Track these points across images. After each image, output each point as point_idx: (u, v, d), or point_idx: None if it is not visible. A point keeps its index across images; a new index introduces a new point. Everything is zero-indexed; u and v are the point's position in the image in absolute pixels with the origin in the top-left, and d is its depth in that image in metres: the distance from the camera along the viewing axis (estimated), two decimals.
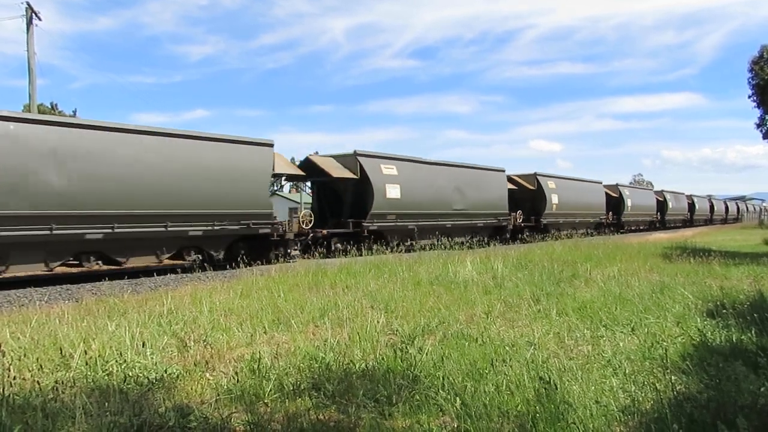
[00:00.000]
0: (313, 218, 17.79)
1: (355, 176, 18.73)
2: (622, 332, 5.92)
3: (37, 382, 4.01)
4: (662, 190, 46.60)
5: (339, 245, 18.45)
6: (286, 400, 3.92)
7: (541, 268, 11.39)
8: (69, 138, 12.06)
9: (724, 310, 6.31)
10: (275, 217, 16.16)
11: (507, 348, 5.11)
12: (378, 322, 6.21)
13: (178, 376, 4.44)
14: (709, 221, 57.02)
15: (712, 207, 59.09)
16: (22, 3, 21.46)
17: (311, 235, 17.92)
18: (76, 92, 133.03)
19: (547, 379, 3.71)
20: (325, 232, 18.35)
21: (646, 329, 5.99)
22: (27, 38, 21.60)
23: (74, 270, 13.10)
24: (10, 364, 4.23)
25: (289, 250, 16.69)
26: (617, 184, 38.97)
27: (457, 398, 3.79)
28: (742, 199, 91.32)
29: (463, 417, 3.50)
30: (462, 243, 21.26)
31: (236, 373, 4.43)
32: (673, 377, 4.22)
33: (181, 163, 13.81)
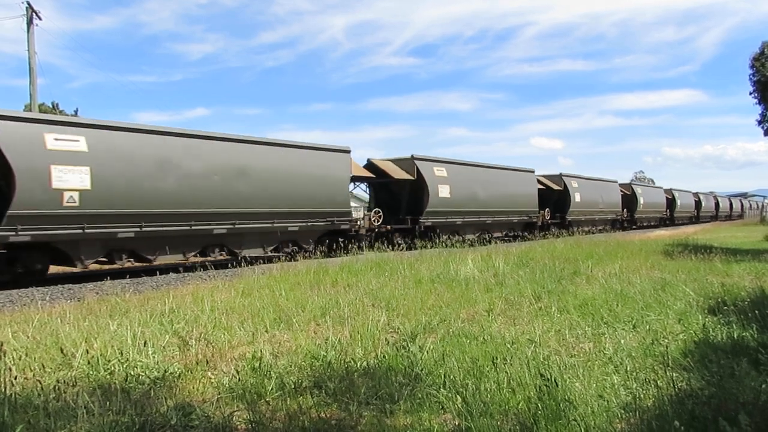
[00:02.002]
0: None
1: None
2: (623, 329, 5.92)
3: (39, 381, 4.02)
4: (697, 192, 55.06)
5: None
6: (288, 399, 3.93)
7: (542, 265, 11.39)
8: (482, 173, 24.88)
9: (726, 307, 6.31)
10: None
11: (508, 346, 5.11)
12: (379, 320, 6.21)
13: (179, 375, 4.45)
14: (729, 217, 65.24)
15: (731, 205, 68.37)
16: (22, 2, 21.49)
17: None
18: (76, 91, 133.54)
19: (548, 377, 3.71)
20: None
21: (647, 326, 5.99)
22: (27, 38, 21.61)
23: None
24: (12, 364, 4.24)
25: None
26: (671, 189, 47.33)
27: (458, 396, 3.80)
28: (744, 195, 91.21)
29: (465, 415, 3.51)
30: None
31: (238, 372, 4.44)
32: (674, 374, 4.21)
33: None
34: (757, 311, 5.79)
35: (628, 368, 4.52)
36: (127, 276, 12.32)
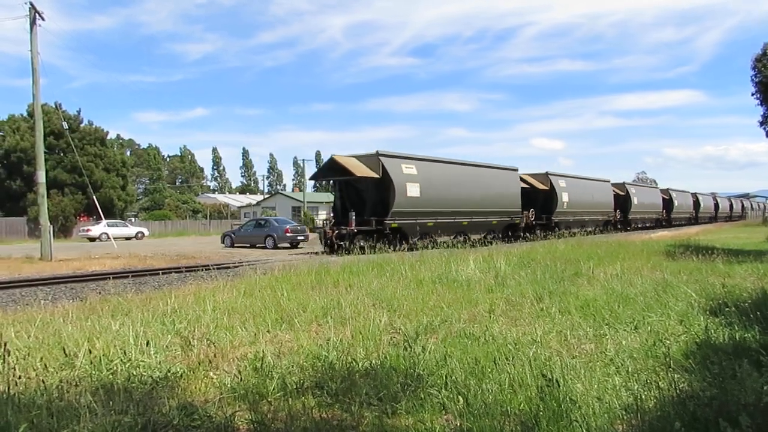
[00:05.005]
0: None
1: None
2: (625, 330, 5.92)
3: (42, 381, 4.03)
4: (696, 192, 57.33)
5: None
6: (290, 399, 3.93)
7: (543, 266, 11.38)
8: (457, 171, 23.64)
9: (727, 308, 6.30)
10: None
11: (510, 346, 5.11)
12: (381, 320, 6.22)
13: (181, 375, 4.46)
14: (729, 218, 67.79)
15: (731, 205, 70.76)
16: (25, 3, 21.50)
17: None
18: (76, 91, 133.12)
19: (550, 377, 3.71)
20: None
21: (649, 327, 5.98)
22: (30, 38, 21.63)
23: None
24: (15, 364, 4.26)
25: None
26: (668, 189, 48.12)
27: (460, 396, 3.80)
28: (746, 196, 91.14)
29: (466, 415, 3.51)
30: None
31: (240, 372, 4.45)
32: (675, 375, 4.21)
33: None
34: (758, 312, 5.78)
35: (630, 369, 4.52)
36: (130, 276, 12.35)
